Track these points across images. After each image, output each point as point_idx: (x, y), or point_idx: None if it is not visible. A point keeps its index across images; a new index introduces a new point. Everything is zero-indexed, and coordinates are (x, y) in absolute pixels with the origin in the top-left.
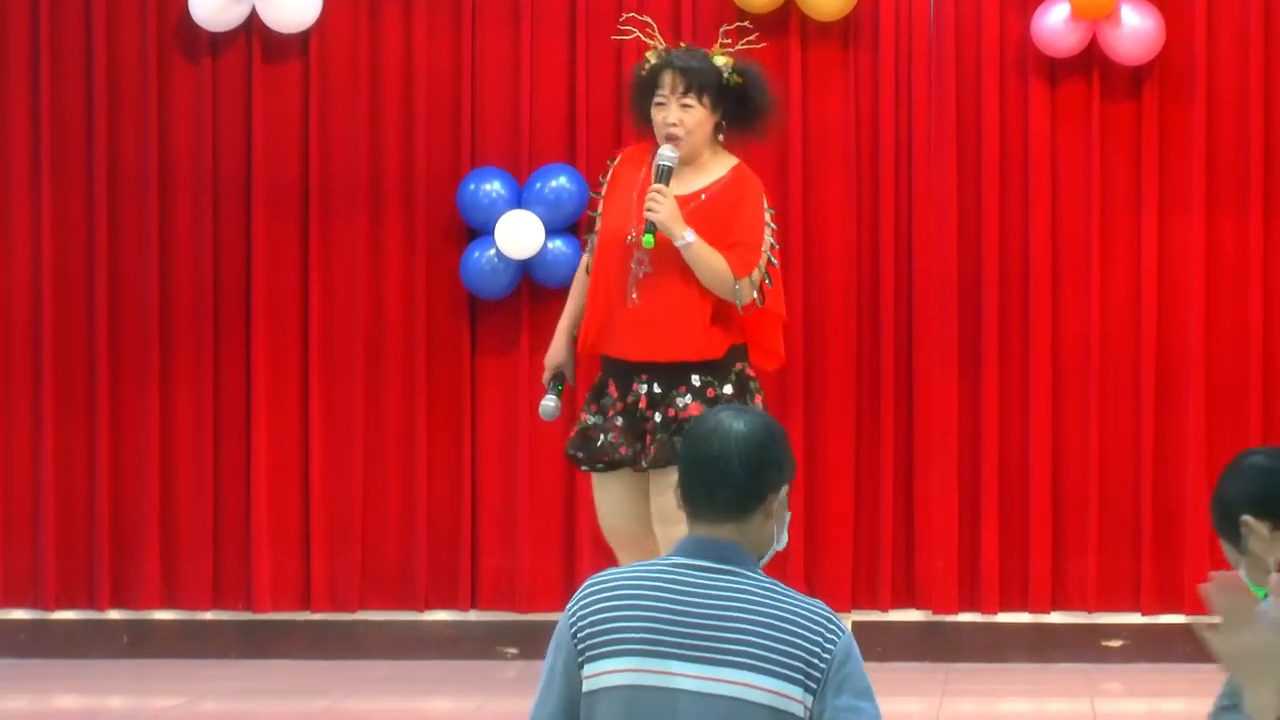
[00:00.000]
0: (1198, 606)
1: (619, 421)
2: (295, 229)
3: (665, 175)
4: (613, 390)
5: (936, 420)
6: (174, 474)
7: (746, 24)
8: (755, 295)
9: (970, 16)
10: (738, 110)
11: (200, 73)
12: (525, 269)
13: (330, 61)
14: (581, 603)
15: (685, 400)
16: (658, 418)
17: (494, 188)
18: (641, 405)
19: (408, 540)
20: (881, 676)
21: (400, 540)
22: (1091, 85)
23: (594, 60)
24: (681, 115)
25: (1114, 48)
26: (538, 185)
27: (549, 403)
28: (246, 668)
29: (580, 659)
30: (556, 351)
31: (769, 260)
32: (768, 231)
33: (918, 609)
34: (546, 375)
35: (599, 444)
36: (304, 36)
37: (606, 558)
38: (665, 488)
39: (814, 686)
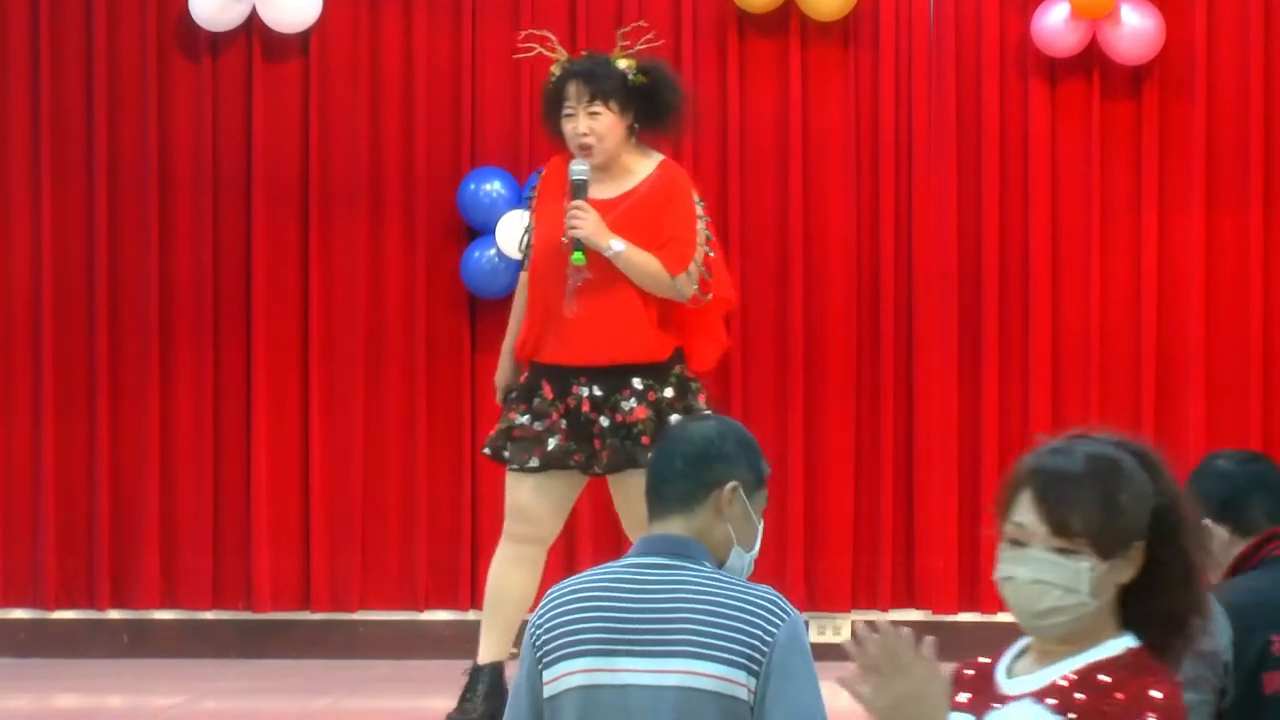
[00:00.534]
0: None
1: (563, 425)
2: (295, 229)
3: (581, 190)
4: (547, 392)
5: (937, 419)
6: (174, 473)
7: (642, 23)
8: (697, 289)
9: (970, 16)
10: (648, 110)
11: (200, 72)
12: None
13: (330, 61)
14: (540, 612)
15: (630, 404)
16: (604, 422)
17: (494, 188)
18: (585, 409)
19: (408, 540)
20: None
21: (400, 540)
22: (1091, 85)
23: None
24: (591, 124)
25: (1114, 47)
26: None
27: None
28: (246, 667)
29: (540, 665)
30: (504, 372)
31: (706, 252)
32: (700, 223)
33: (917, 608)
34: (499, 396)
35: (549, 447)
36: (304, 36)
37: (608, 557)
38: (629, 495)
39: (757, 670)
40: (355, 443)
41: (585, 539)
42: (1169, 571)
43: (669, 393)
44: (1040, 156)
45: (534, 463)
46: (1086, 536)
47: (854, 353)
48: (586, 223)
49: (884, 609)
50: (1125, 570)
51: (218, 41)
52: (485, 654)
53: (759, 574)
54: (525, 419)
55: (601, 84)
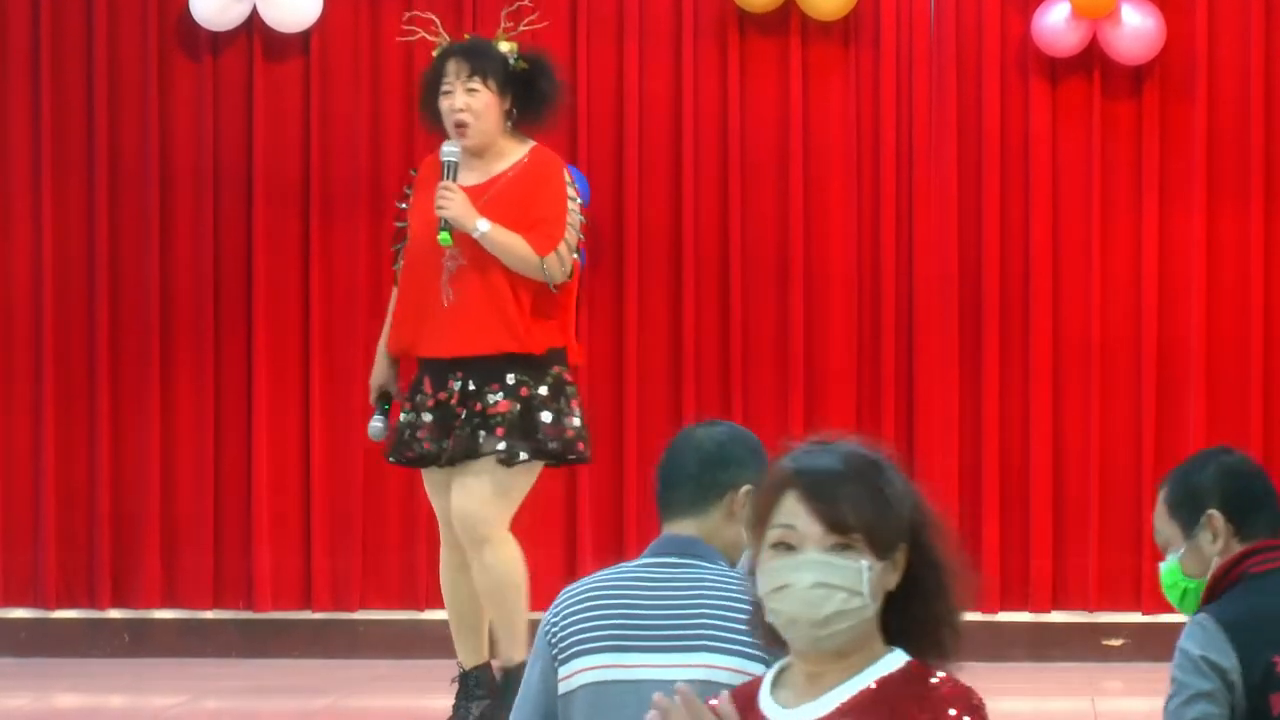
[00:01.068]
0: None
1: (427, 419)
2: (296, 228)
3: (452, 171)
4: (427, 387)
5: (937, 419)
6: (174, 473)
7: (528, 2)
8: (566, 272)
9: (971, 16)
10: (526, 97)
11: (201, 72)
12: None
13: (330, 61)
14: (555, 610)
15: (496, 397)
16: (464, 414)
17: None
18: (453, 402)
19: (408, 539)
20: None
21: (400, 539)
22: (1092, 84)
23: (594, 60)
24: (468, 100)
25: (1114, 47)
26: None
27: (376, 423)
28: (247, 667)
29: (555, 663)
30: (379, 371)
31: (579, 237)
32: (572, 205)
33: None
34: (373, 396)
35: (406, 438)
36: (304, 36)
37: (607, 557)
38: (463, 484)
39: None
40: (356, 442)
41: (585, 539)
42: (928, 578)
43: (543, 390)
44: (1041, 156)
45: (408, 458)
46: (862, 531)
47: (854, 353)
48: (454, 203)
49: None
50: (892, 575)
51: (218, 41)
52: (467, 659)
53: None
54: (408, 416)
55: (481, 61)
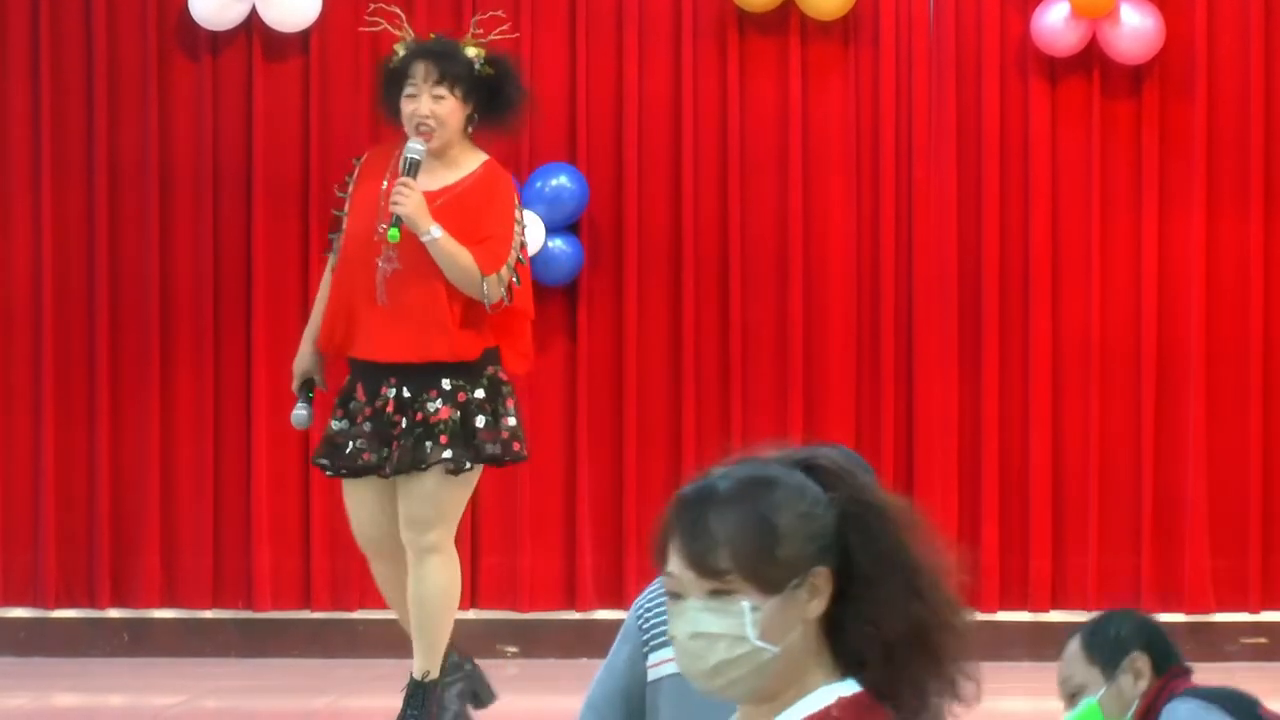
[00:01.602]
0: (1198, 604)
1: (366, 428)
2: (296, 228)
3: (413, 169)
4: (360, 394)
5: (937, 419)
6: (174, 473)
7: (500, 13)
8: (504, 293)
9: (970, 15)
10: (489, 102)
11: (201, 71)
12: None
13: (330, 61)
14: (650, 594)
15: (436, 405)
16: (404, 423)
17: None
18: (389, 410)
19: None
20: None
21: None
22: (1091, 84)
23: (594, 60)
24: (434, 107)
25: (1114, 46)
26: (538, 184)
27: (300, 411)
28: (247, 666)
29: (645, 649)
30: (303, 358)
31: (518, 259)
32: (518, 228)
33: None
34: (296, 383)
35: (346, 451)
36: (304, 35)
37: (608, 557)
38: (410, 493)
39: None
40: None
41: (585, 539)
42: (875, 594)
43: (479, 394)
44: (1040, 156)
45: (343, 470)
46: (737, 572)
47: (854, 353)
48: (411, 200)
49: None
50: (810, 603)
51: (218, 41)
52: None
53: None
54: (341, 424)
55: (450, 67)
